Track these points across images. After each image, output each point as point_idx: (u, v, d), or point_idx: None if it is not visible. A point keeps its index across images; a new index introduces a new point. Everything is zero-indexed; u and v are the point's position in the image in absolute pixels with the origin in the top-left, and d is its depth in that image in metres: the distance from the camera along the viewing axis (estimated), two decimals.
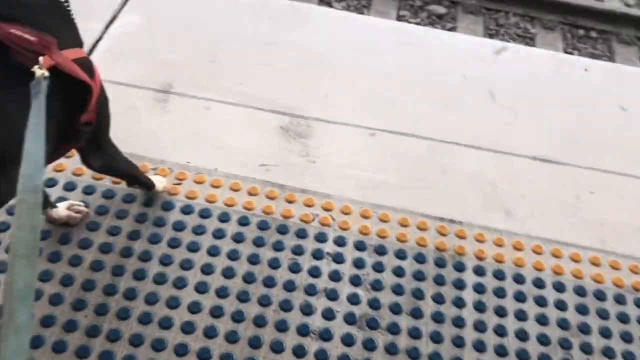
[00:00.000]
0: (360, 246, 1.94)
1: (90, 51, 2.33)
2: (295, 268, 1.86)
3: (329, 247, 1.93)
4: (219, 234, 1.91)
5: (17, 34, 1.32)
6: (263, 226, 1.95)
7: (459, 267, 1.93)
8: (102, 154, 1.67)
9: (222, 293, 1.77)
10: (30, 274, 0.88)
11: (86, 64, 1.47)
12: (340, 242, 1.94)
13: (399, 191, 2.12)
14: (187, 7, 2.64)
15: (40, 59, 1.31)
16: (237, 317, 1.74)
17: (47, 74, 1.26)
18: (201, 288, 1.78)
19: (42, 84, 1.23)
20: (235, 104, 2.30)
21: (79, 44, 1.50)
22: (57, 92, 1.32)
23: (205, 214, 1.95)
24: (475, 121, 2.39)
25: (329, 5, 4.59)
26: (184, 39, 2.51)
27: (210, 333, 1.69)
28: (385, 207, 2.05)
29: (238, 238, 1.91)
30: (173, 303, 1.74)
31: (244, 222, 1.95)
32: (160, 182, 1.97)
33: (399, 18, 4.56)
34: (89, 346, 1.63)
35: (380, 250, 1.94)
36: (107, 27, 2.47)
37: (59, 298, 1.71)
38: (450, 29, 4.44)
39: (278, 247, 1.91)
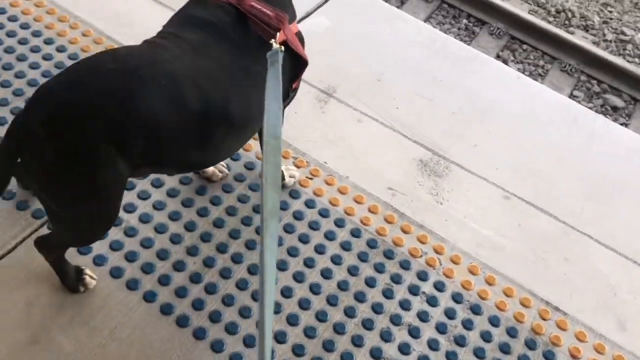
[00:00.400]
0: (457, 298, 1.93)
1: None
2: (388, 294, 1.90)
3: (427, 287, 1.94)
4: (330, 236, 1.99)
5: (258, 7, 1.54)
6: (372, 244, 2.01)
7: (549, 357, 1.85)
8: None
9: (315, 289, 1.85)
10: (277, 198, 1.14)
11: (301, 38, 1.71)
12: (439, 286, 1.95)
13: (514, 260, 2.07)
14: (373, 24, 2.78)
15: (277, 34, 1.53)
16: (321, 317, 1.80)
17: (282, 47, 1.45)
18: (298, 277, 1.87)
19: (278, 54, 1.41)
20: (385, 124, 2.38)
21: (294, 18, 1.71)
22: (283, 62, 1.50)
23: (324, 213, 2.05)
24: (619, 222, 2.28)
25: (505, 62, 4.56)
26: (360, 52, 2.64)
27: (292, 320, 1.78)
28: (494, 271, 2.02)
29: (346, 246, 1.98)
30: None
31: (356, 233, 2.02)
32: (290, 178, 2.08)
33: (572, 97, 4.42)
34: (187, 288, 1.78)
35: (476, 310, 1.91)
36: (298, 22, 2.67)
37: (178, 238, 1.89)
38: (621, 124, 4.22)
39: (380, 268, 1.95)
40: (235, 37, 1.54)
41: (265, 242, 1.06)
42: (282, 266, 1.89)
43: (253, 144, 2.11)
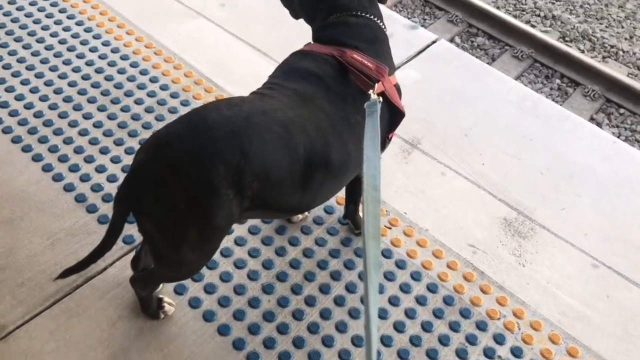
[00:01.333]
0: None
1: None
2: (462, 354, 1.83)
3: (503, 351, 1.86)
4: (405, 288, 1.97)
5: (360, 59, 1.61)
6: (448, 301, 1.96)
7: None
8: None
9: (386, 342, 1.82)
10: (378, 248, 1.16)
11: (399, 90, 1.77)
12: (517, 352, 1.86)
13: (599, 334, 1.95)
14: (463, 79, 2.78)
15: (376, 85, 1.58)
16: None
17: (380, 99, 1.51)
18: None
19: (377, 105, 1.47)
20: (469, 180, 2.35)
21: (394, 70, 1.77)
22: (382, 112, 1.56)
23: (401, 264, 2.03)
24: None
25: (599, 125, 4.40)
26: (448, 105, 2.64)
27: None
28: (578, 342, 1.91)
29: (421, 300, 1.94)
30: (341, 327, 1.84)
31: (432, 288, 1.98)
32: None
33: None
34: (260, 325, 1.80)
35: None
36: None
37: (256, 275, 1.93)
38: None
39: (455, 327, 1.89)
40: (337, 87, 1.61)
41: (369, 296, 1.08)
42: (353, 313, 1.88)
43: None
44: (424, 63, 2.83)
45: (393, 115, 1.72)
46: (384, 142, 1.78)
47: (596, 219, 2.30)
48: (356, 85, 1.60)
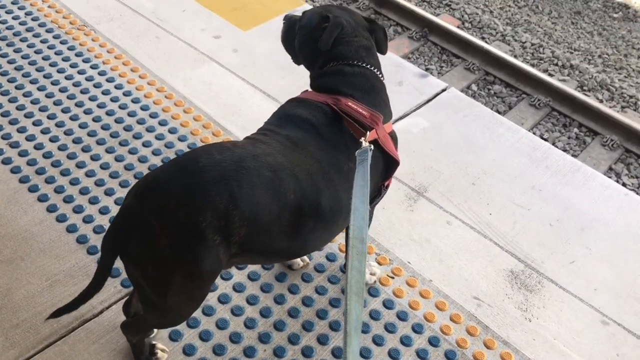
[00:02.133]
0: None
1: None
2: None
3: None
4: (406, 341, 1.91)
5: (354, 107, 1.62)
6: (450, 356, 1.89)
7: None
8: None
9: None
10: (360, 309, 1.10)
11: (395, 137, 1.76)
12: None
13: None
14: (472, 128, 2.77)
15: (368, 133, 1.58)
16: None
17: (372, 146, 1.51)
18: None
19: (368, 153, 1.46)
20: (476, 230, 2.31)
21: (390, 118, 1.77)
22: (376, 160, 1.58)
23: (402, 316, 1.98)
24: None
25: (618, 176, 4.32)
26: (455, 154, 2.62)
27: None
28: None
29: (422, 354, 1.88)
30: None
31: (434, 342, 1.92)
32: (371, 275, 2.06)
33: None
34: None
35: None
36: (396, 121, 2.72)
37: (253, 323, 1.89)
38: None
39: None
40: (330, 135, 1.61)
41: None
42: None
43: (337, 236, 2.12)
44: (433, 111, 2.82)
45: (388, 164, 1.71)
46: (380, 191, 1.76)
47: (607, 273, 2.23)
48: (349, 133, 1.61)
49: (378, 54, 1.80)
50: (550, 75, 5.14)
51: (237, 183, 1.37)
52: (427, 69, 5.03)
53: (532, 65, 5.23)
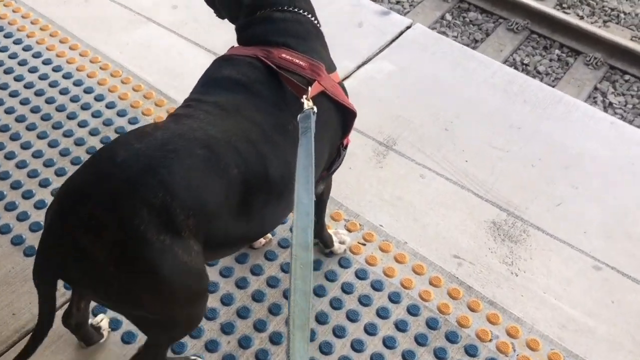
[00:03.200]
0: None
1: None
2: None
3: None
4: (383, 313, 1.75)
5: (289, 58, 1.39)
6: (432, 325, 1.74)
7: None
8: (326, 181, 1.68)
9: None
10: (306, 348, 0.85)
11: (343, 87, 1.53)
12: None
13: (607, 347, 1.72)
14: (441, 66, 2.53)
15: (309, 89, 1.35)
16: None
17: (315, 108, 1.28)
18: None
19: (311, 118, 1.23)
20: (452, 180, 2.11)
21: (334, 69, 1.54)
22: (331, 116, 1.37)
23: (377, 286, 1.81)
24: None
25: (604, 95, 4.11)
26: (425, 98, 2.40)
27: None
28: None
29: (401, 326, 1.73)
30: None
31: (413, 311, 1.76)
32: (340, 244, 1.88)
33: None
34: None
35: None
36: (358, 67, 2.48)
37: (214, 313, 1.72)
38: None
39: (440, 354, 1.68)
40: (267, 93, 1.38)
41: None
42: (325, 349, 1.67)
43: None
44: (398, 51, 2.58)
45: (344, 118, 1.49)
46: (339, 152, 1.55)
47: (596, 212, 2.06)
48: (291, 94, 1.38)
49: None
50: None
51: (167, 170, 1.15)
52: (397, 2, 4.73)
53: None
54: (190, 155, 1.20)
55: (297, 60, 1.41)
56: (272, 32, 1.46)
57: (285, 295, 1.77)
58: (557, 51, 4.43)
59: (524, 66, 4.33)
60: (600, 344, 1.73)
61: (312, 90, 1.37)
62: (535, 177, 2.15)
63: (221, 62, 1.46)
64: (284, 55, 1.40)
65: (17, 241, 1.85)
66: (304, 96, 1.34)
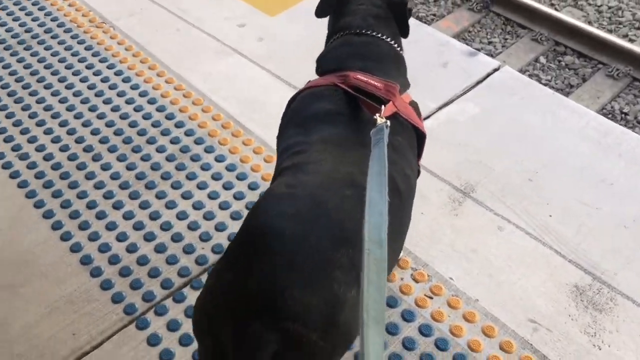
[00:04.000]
0: None
1: None
2: None
3: None
4: None
5: (364, 80, 1.39)
6: None
7: None
8: None
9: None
10: (381, 342, 0.77)
11: (415, 105, 1.49)
12: None
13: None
14: (530, 112, 2.39)
15: (383, 107, 1.32)
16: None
17: (388, 122, 1.24)
18: None
19: (384, 131, 1.19)
20: (533, 236, 1.96)
21: (407, 87, 1.52)
22: (409, 136, 1.36)
23: (442, 345, 1.68)
24: None
25: None
26: (511, 145, 2.26)
27: None
28: None
29: None
30: None
31: None
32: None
33: None
34: None
35: None
36: (440, 108, 2.39)
37: None
38: None
39: None
40: (351, 120, 1.36)
41: None
42: None
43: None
44: (484, 94, 2.46)
45: (418, 138, 1.44)
46: (419, 171, 1.49)
47: None
48: (364, 113, 1.35)
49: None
50: (631, 40, 4.56)
51: (337, 223, 1.09)
52: (489, 43, 4.60)
53: (610, 31, 4.65)
54: (343, 198, 1.14)
55: (372, 82, 1.39)
56: (348, 55, 1.48)
57: None
58: None
59: (623, 115, 4.05)
60: None
61: (386, 110, 1.32)
62: (628, 239, 1.95)
63: (303, 98, 1.44)
64: (359, 76, 1.39)
65: (85, 261, 1.89)
66: (377, 114, 1.28)
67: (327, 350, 1.06)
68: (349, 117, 1.35)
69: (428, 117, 2.35)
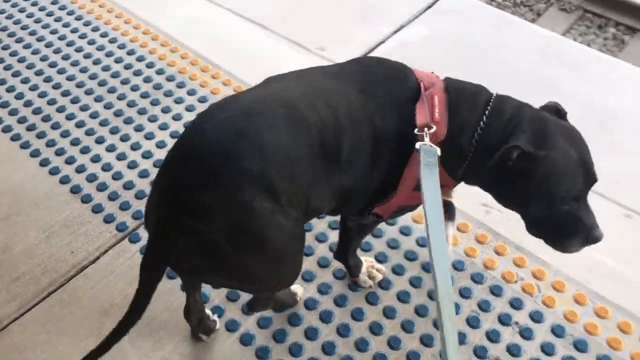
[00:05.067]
0: (558, 331, 1.65)
1: (369, 52, 2.43)
2: (474, 323, 1.67)
3: (521, 316, 1.68)
4: (411, 256, 1.82)
5: (434, 103, 1.33)
6: (459, 266, 1.80)
7: None
8: (362, 220, 1.55)
9: (389, 314, 1.69)
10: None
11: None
12: (536, 317, 1.68)
13: (636, 292, 1.73)
14: (477, 31, 2.57)
15: (433, 128, 1.29)
16: (393, 344, 1.63)
17: (439, 151, 1.26)
18: (369, 299, 1.72)
19: (435, 157, 1.24)
20: None
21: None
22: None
23: (405, 231, 1.88)
24: None
25: None
26: (461, 61, 2.44)
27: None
28: (608, 302, 1.70)
29: (427, 267, 1.79)
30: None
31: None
32: (366, 278, 1.76)
33: None
34: None
35: (581, 346, 1.61)
36: (394, 33, 2.55)
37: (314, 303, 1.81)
38: None
39: (465, 293, 1.74)
40: (381, 94, 1.34)
41: None
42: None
43: None
44: (435, 17, 2.63)
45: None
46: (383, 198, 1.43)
47: (631, 164, 2.05)
48: (408, 115, 1.32)
49: None
50: None
51: (257, 135, 1.16)
52: None
53: None
54: (274, 116, 1.20)
55: (436, 107, 1.33)
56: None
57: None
58: (612, 30, 4.32)
59: None
60: (627, 286, 1.76)
61: (429, 137, 1.29)
62: None
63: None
64: (438, 93, 1.34)
65: (75, 190, 2.03)
66: (426, 129, 1.28)
67: (239, 257, 1.17)
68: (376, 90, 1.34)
69: (382, 42, 2.51)
